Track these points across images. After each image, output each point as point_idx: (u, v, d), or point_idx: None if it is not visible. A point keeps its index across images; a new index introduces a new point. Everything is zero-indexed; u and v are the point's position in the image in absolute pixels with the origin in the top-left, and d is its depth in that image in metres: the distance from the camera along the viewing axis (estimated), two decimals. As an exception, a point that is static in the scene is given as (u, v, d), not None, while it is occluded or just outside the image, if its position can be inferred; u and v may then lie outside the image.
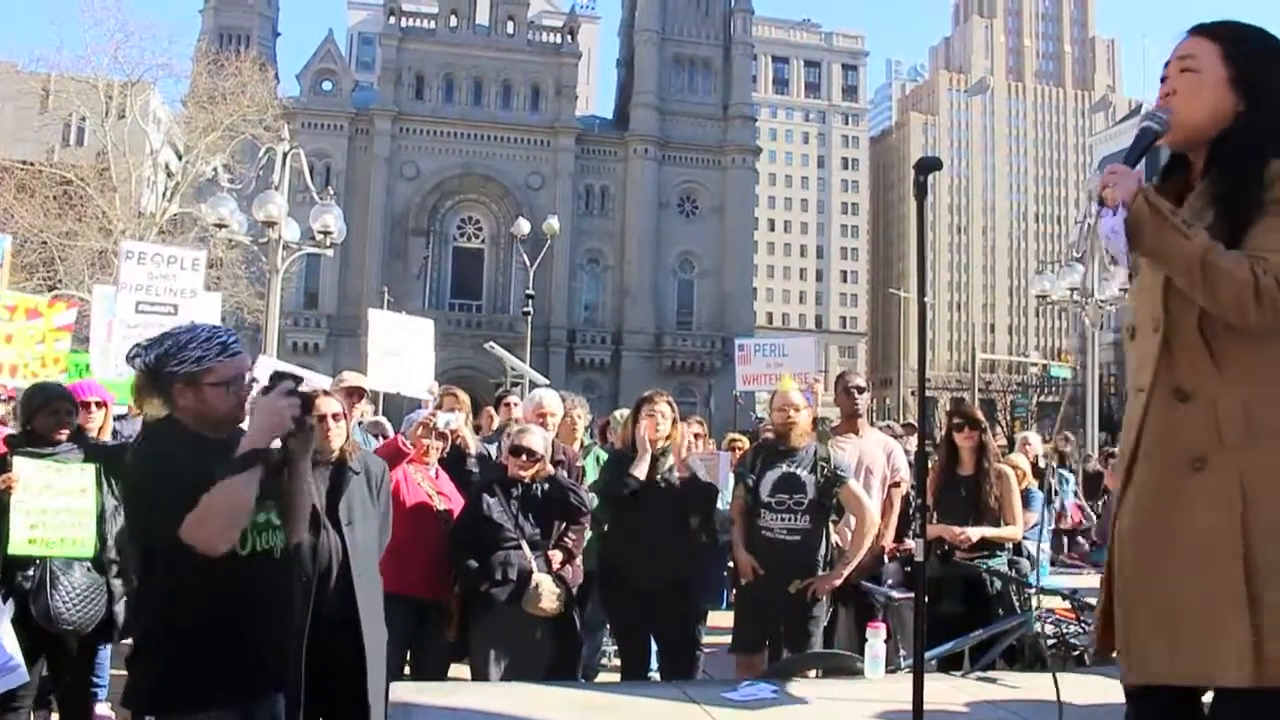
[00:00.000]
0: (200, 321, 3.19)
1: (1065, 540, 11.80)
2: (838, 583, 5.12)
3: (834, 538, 5.37)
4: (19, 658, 3.97)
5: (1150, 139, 2.15)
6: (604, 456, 6.96)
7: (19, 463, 4.21)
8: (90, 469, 4.35)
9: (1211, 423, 1.99)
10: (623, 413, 6.86)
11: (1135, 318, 2.19)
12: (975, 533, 5.26)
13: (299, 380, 2.65)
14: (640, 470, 5.10)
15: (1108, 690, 4.16)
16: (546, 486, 4.93)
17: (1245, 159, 2.03)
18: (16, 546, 4.14)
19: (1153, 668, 2.01)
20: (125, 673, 2.67)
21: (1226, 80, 2.11)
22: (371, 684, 3.85)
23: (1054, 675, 2.47)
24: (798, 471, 5.06)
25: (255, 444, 2.47)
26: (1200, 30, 2.18)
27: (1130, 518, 2.10)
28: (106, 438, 5.33)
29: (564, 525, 4.97)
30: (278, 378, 2.59)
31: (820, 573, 5.09)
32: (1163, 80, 2.20)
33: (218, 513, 2.39)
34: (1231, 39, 2.15)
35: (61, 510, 4.22)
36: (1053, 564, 10.29)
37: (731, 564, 6.37)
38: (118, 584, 4.39)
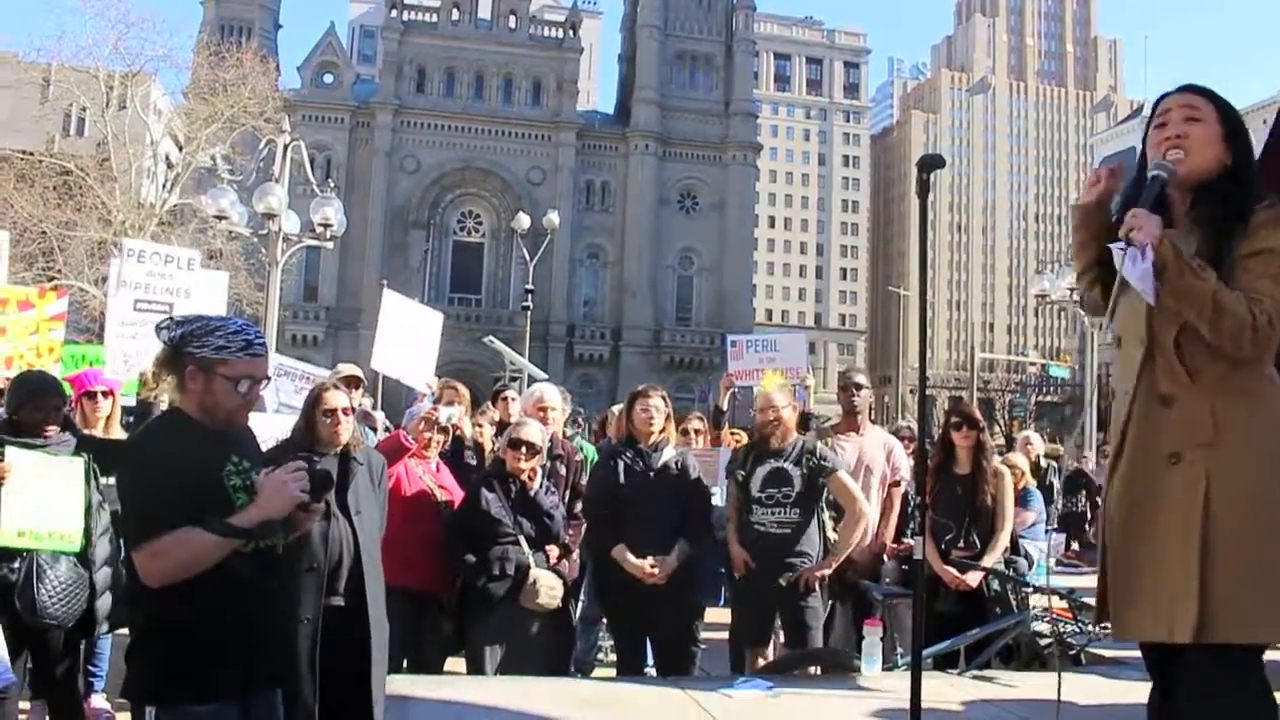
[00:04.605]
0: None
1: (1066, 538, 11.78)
2: (827, 572, 5.11)
3: (830, 534, 5.37)
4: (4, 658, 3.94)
5: (1162, 185, 2.47)
6: (589, 449, 6.96)
7: (12, 453, 4.13)
8: (80, 462, 4.29)
9: (1186, 424, 2.37)
10: (621, 407, 6.85)
11: (1121, 329, 2.52)
12: (974, 578, 5.27)
13: (314, 460, 2.60)
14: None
15: (1104, 690, 4.17)
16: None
17: (1241, 204, 2.41)
18: (6, 539, 4.06)
19: (1135, 627, 2.42)
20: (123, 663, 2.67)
21: (1223, 135, 2.49)
22: (375, 673, 3.86)
23: (1059, 675, 2.53)
24: (785, 466, 5.08)
25: (253, 519, 2.45)
26: (1194, 89, 2.56)
27: (1117, 503, 2.46)
28: (116, 427, 5.30)
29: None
30: (293, 456, 2.55)
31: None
32: (1161, 125, 2.54)
33: (175, 560, 2.38)
34: (1221, 102, 2.54)
35: (52, 503, 4.16)
36: (1058, 563, 10.29)
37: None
38: (99, 578, 4.32)
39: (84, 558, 4.28)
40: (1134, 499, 2.41)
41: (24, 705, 4.60)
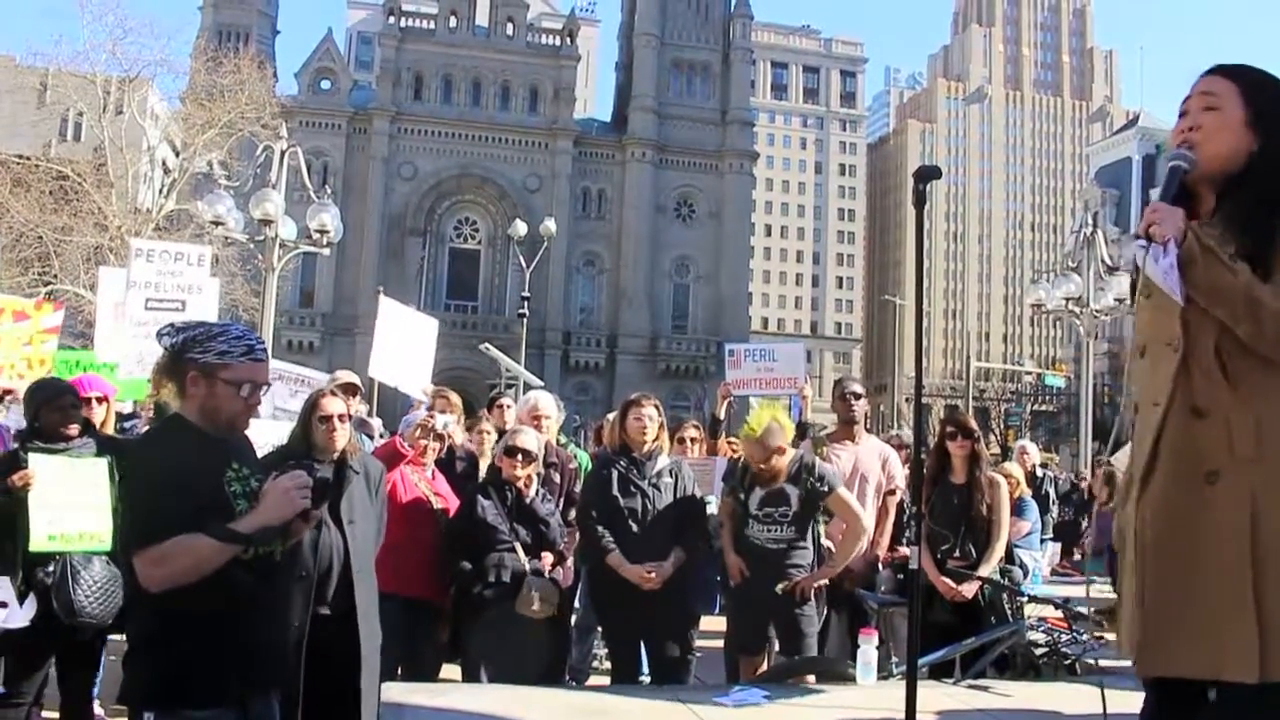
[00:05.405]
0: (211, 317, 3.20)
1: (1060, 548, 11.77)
2: (823, 582, 5.12)
3: (824, 542, 5.37)
4: None
5: (1180, 176, 2.25)
6: (583, 457, 6.96)
7: (35, 459, 4.19)
8: (103, 463, 4.34)
9: (1225, 438, 2.12)
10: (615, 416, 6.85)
11: (1146, 336, 2.29)
12: (970, 590, 5.28)
13: (314, 468, 2.62)
14: None
15: (1099, 700, 4.17)
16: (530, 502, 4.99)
17: (1273, 191, 2.16)
18: (38, 544, 4.12)
19: (1169, 662, 2.14)
20: (116, 669, 2.67)
21: (1245, 120, 2.23)
22: (365, 681, 3.86)
23: (1102, 691, 2.39)
24: (783, 486, 5.09)
25: (255, 525, 2.47)
26: (1220, 70, 2.31)
27: (1150, 525, 2.20)
28: (110, 432, 5.31)
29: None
30: (293, 464, 2.57)
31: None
32: (1183, 115, 2.31)
33: (177, 565, 2.40)
34: (1250, 82, 2.28)
35: (79, 505, 4.21)
36: (1054, 573, 10.28)
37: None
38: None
39: (115, 556, 4.31)
40: (1169, 522, 2.17)
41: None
